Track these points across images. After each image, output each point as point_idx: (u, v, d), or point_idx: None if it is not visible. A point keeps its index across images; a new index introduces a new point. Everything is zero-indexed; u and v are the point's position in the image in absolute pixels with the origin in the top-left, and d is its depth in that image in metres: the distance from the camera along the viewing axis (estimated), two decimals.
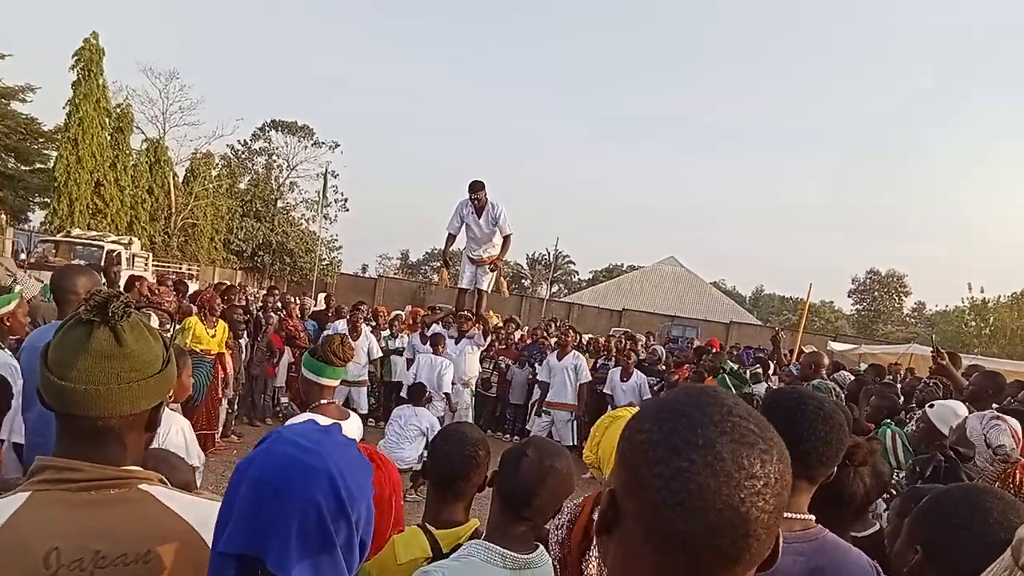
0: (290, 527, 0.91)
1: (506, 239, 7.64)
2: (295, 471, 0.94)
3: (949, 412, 3.53)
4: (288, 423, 2.94)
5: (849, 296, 60.98)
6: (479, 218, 7.49)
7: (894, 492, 2.75)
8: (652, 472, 0.67)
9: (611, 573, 0.75)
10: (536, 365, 9.10)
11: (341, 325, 8.32)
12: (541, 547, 1.71)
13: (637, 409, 2.14)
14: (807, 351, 8.47)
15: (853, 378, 7.14)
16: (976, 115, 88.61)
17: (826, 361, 6.58)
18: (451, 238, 7.77)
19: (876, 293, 59.02)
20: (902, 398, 6.24)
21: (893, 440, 3.94)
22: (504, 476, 1.71)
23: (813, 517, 1.54)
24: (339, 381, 3.04)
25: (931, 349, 5.01)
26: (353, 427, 2.96)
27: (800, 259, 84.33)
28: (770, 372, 7.41)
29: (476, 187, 7.36)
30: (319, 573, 0.92)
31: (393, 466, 1.56)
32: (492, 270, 7.93)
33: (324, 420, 2.84)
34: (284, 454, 0.97)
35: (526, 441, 1.80)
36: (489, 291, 8.31)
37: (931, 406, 3.69)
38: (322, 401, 2.95)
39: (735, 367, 7.47)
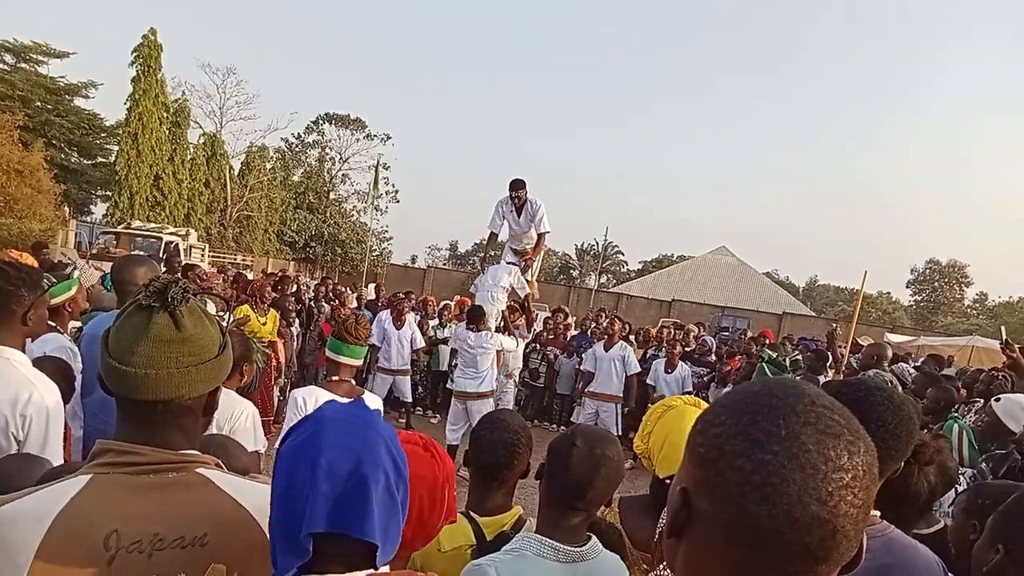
0: (369, 499, 0.95)
1: (540, 237, 7.55)
2: (364, 447, 0.98)
3: (1016, 406, 3.38)
4: (293, 394, 3.01)
5: (908, 287, 59.22)
6: (519, 216, 7.46)
7: (959, 489, 2.64)
8: (732, 466, 0.63)
9: None
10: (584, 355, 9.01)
11: (385, 315, 8.38)
12: (594, 538, 1.67)
13: (690, 399, 2.10)
14: (863, 343, 8.20)
15: (914, 371, 6.86)
16: None
17: (889, 353, 6.32)
18: (493, 237, 7.71)
19: (936, 284, 57.10)
20: (964, 391, 5.99)
21: (960, 436, 3.80)
22: (554, 468, 1.68)
23: (879, 513, 1.50)
24: (358, 360, 3.15)
25: (999, 342, 4.78)
26: (368, 402, 3.03)
27: (856, 249, 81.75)
28: (827, 364, 7.17)
29: (516, 186, 7.33)
30: (389, 531, 0.98)
31: (447, 455, 1.53)
32: (524, 268, 7.78)
33: (327, 395, 2.91)
34: (342, 430, 0.99)
35: (572, 431, 1.76)
36: (534, 279, 8.18)
37: (997, 400, 3.53)
38: (334, 377, 3.12)
39: (774, 355, 7.25)
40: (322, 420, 1.01)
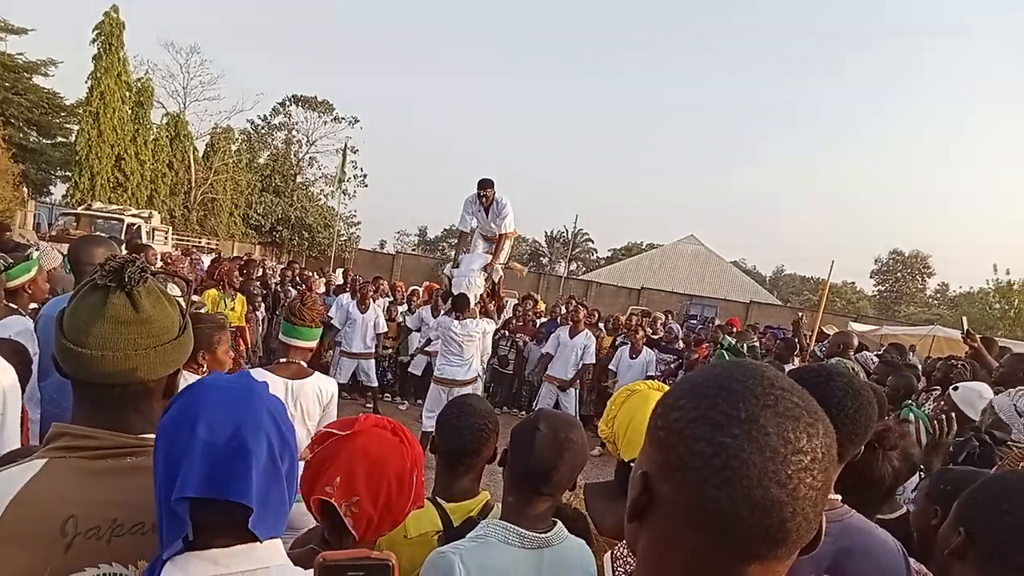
0: (248, 463, 0.92)
1: (501, 237, 7.55)
2: (245, 411, 0.96)
3: (974, 394, 3.46)
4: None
5: (871, 277, 60.65)
6: (486, 215, 7.51)
7: (922, 475, 2.70)
8: (692, 450, 0.63)
9: (644, 562, 0.71)
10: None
11: (346, 299, 8.30)
12: (560, 524, 1.66)
13: (654, 383, 2.12)
14: (829, 332, 8.36)
15: (877, 360, 7.02)
16: (1004, 92, 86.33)
17: (855, 342, 6.45)
18: (463, 236, 7.76)
19: (899, 274, 58.50)
20: (923, 379, 6.14)
21: (916, 424, 3.89)
22: (518, 453, 1.66)
23: (840, 497, 1.52)
24: (309, 342, 3.11)
25: (961, 333, 4.88)
26: (316, 384, 3.07)
27: (822, 239, 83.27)
28: (794, 353, 7.31)
29: (484, 185, 7.37)
30: (270, 500, 0.95)
31: (415, 440, 1.52)
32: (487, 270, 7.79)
33: (270, 376, 2.88)
34: (223, 396, 0.98)
35: (535, 415, 1.74)
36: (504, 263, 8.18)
37: (955, 388, 3.62)
38: (281, 360, 3.11)
39: (732, 342, 7.39)
40: (202, 388, 0.99)
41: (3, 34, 26.42)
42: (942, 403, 3.71)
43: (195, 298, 6.44)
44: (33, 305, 3.40)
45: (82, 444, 1.09)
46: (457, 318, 6.67)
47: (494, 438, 1.99)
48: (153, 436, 1.13)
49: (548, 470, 1.61)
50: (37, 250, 4.57)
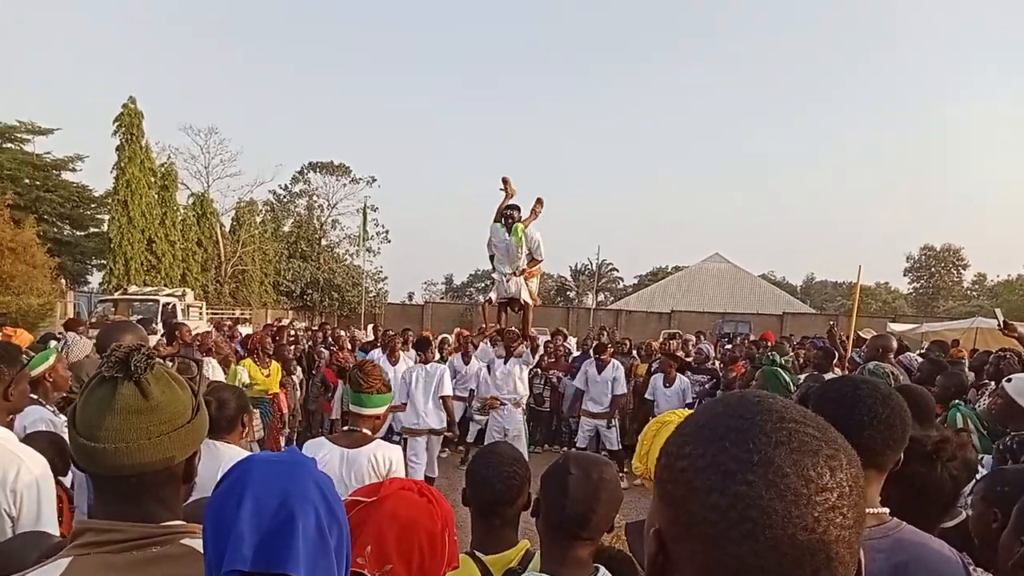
0: (295, 534, 0.92)
1: (533, 263, 8.04)
2: (291, 483, 0.96)
3: None
4: (304, 448, 2.94)
5: (905, 275, 59.34)
6: (508, 234, 7.75)
7: (978, 477, 2.60)
8: (705, 503, 0.57)
9: None
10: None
11: (377, 353, 8.34)
12: (603, 568, 1.62)
13: (683, 415, 2.07)
14: (865, 335, 8.17)
15: (921, 359, 6.83)
16: (1000, 80, 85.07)
17: (894, 344, 6.25)
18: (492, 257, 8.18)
19: (933, 269, 57.25)
20: (972, 374, 5.94)
21: (965, 424, 3.76)
22: (552, 499, 1.61)
23: (887, 510, 1.46)
24: (376, 409, 3.01)
25: (998, 325, 4.73)
26: (372, 452, 2.92)
27: (849, 242, 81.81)
28: (834, 362, 7.14)
29: (511, 208, 7.86)
30: (317, 572, 0.94)
31: (442, 498, 1.51)
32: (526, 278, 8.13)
33: (328, 445, 2.86)
34: (270, 470, 0.97)
35: (563, 459, 1.70)
36: (533, 302, 8.35)
37: (1008, 380, 3.48)
38: (345, 428, 3.07)
39: (778, 358, 7.26)
40: (249, 463, 0.99)
41: (31, 136, 27.61)
42: (996, 397, 3.56)
43: (240, 370, 6.54)
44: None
45: (105, 539, 1.08)
46: (422, 362, 6.79)
47: (526, 485, 1.93)
48: (176, 523, 1.15)
49: (586, 513, 1.57)
50: (64, 340, 4.70)
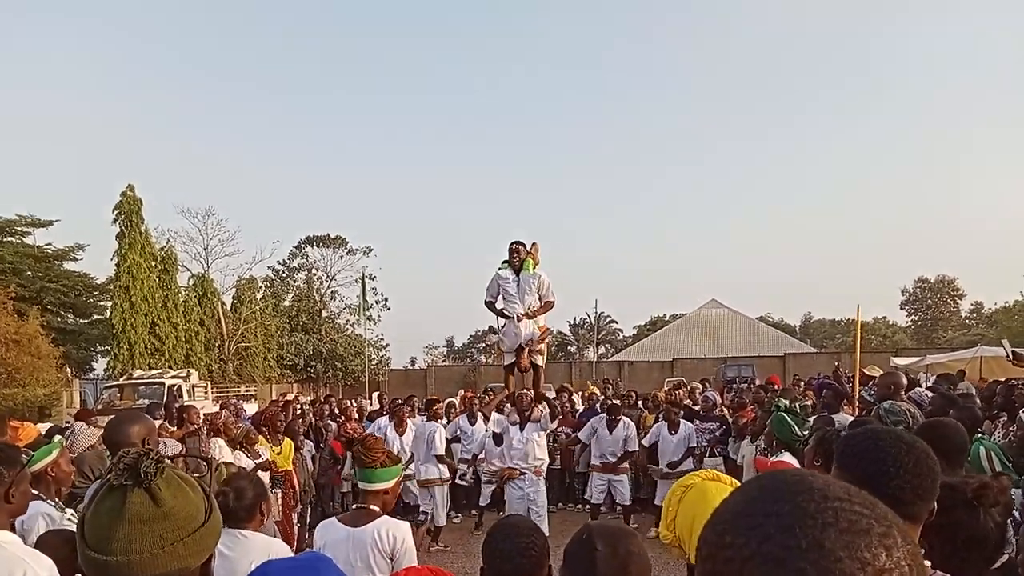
0: None
1: (546, 304, 7.05)
2: None
3: None
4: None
5: (902, 308, 59.65)
6: (517, 278, 6.96)
7: (1015, 514, 2.55)
8: None
9: None
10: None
11: (383, 422, 8.36)
12: None
13: (708, 473, 2.08)
14: (871, 373, 8.23)
15: (931, 394, 6.83)
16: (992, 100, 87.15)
17: (904, 381, 6.24)
18: (493, 306, 7.21)
19: (929, 301, 57.56)
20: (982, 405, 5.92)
21: (988, 458, 3.70)
22: None
23: (928, 563, 1.38)
24: (383, 483, 2.92)
25: (1007, 357, 4.77)
26: (376, 530, 2.86)
27: (844, 279, 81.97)
28: (842, 402, 7.16)
29: (516, 245, 7.07)
30: None
31: None
32: (541, 338, 7.14)
33: (335, 525, 2.89)
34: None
35: (585, 533, 1.63)
36: (543, 364, 7.43)
37: None
38: (354, 506, 3.03)
39: (786, 403, 7.29)
40: (267, 567, 1.03)
41: (30, 228, 28.06)
42: (1013, 428, 3.57)
43: (260, 450, 6.58)
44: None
45: None
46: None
47: (546, 558, 1.86)
48: None
49: None
50: (71, 429, 4.69)
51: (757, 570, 0.52)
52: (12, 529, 2.05)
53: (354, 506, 3.02)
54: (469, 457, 8.43)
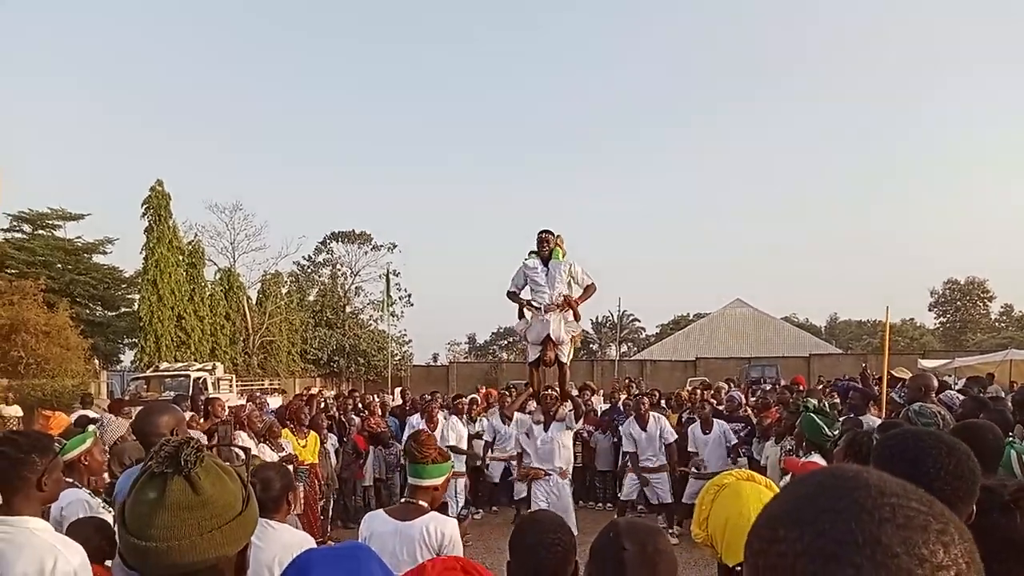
0: None
1: (587, 289, 6.77)
2: (352, 569, 1.00)
3: None
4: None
5: (930, 310, 58.73)
6: (545, 270, 6.65)
7: None
8: None
9: None
10: (619, 427, 8.92)
11: (416, 419, 8.42)
12: None
13: (742, 472, 2.05)
14: (899, 375, 8.11)
15: (960, 396, 6.71)
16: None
17: (935, 383, 6.11)
18: (517, 297, 6.91)
19: (959, 303, 56.59)
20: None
21: (1020, 462, 3.64)
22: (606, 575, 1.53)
23: None
24: (433, 480, 2.95)
25: None
26: (423, 525, 2.85)
27: (871, 280, 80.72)
28: (869, 404, 7.06)
29: (544, 234, 6.76)
30: None
31: (486, 571, 1.54)
32: (574, 314, 6.77)
33: (381, 516, 2.91)
34: (330, 566, 1.03)
35: (612, 531, 1.61)
36: (568, 361, 7.06)
37: None
38: (403, 500, 3.04)
39: (815, 403, 7.17)
40: (308, 555, 1.05)
41: (61, 222, 28.58)
42: None
43: (283, 443, 6.65)
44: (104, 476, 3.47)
45: None
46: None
47: (573, 554, 1.84)
48: None
49: None
50: (101, 420, 4.78)
51: (811, 565, 0.52)
52: (45, 517, 2.07)
53: (403, 500, 3.03)
54: (505, 456, 8.44)
